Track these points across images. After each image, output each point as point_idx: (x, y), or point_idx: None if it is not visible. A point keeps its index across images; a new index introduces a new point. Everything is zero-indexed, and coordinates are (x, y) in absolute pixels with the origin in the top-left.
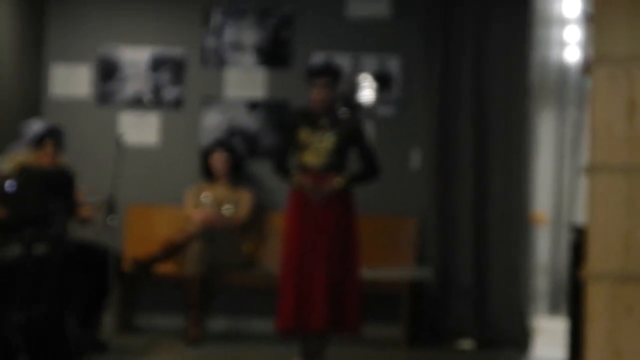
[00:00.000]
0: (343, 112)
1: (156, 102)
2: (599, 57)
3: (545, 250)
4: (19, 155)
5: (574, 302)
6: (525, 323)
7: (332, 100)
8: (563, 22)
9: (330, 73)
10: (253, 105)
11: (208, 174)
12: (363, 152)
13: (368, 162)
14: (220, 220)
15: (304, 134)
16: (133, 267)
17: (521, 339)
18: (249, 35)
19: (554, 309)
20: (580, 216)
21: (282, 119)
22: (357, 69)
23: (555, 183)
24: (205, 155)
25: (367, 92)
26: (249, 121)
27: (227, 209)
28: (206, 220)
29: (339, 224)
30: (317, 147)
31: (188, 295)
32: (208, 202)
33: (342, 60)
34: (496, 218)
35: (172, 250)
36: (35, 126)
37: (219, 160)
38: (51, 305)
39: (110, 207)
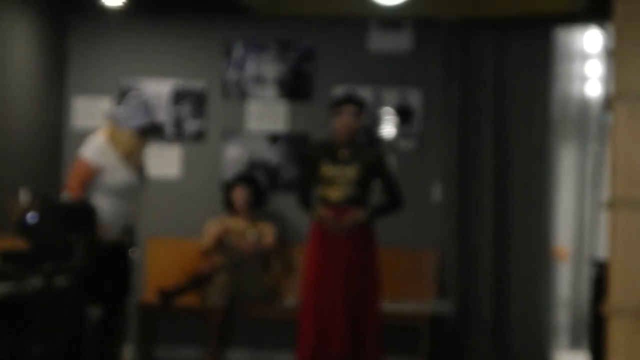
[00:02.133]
0: (364, 144)
1: (178, 134)
2: (619, 92)
3: (566, 285)
4: (123, 136)
5: (595, 337)
6: (546, 358)
7: (355, 131)
8: (584, 56)
9: (355, 102)
10: (274, 138)
11: (230, 207)
12: (386, 184)
13: (391, 194)
14: (257, 247)
15: (325, 167)
16: (158, 297)
17: None
18: (270, 68)
19: (575, 344)
20: (602, 251)
21: (302, 151)
22: (379, 103)
23: (576, 218)
24: (227, 188)
25: (388, 125)
26: (270, 154)
27: (251, 234)
28: (253, 246)
29: (360, 256)
30: (339, 180)
31: (209, 327)
32: (234, 239)
33: (364, 93)
34: (517, 251)
35: (199, 281)
36: (142, 113)
37: (240, 195)
38: (70, 337)
39: (131, 239)
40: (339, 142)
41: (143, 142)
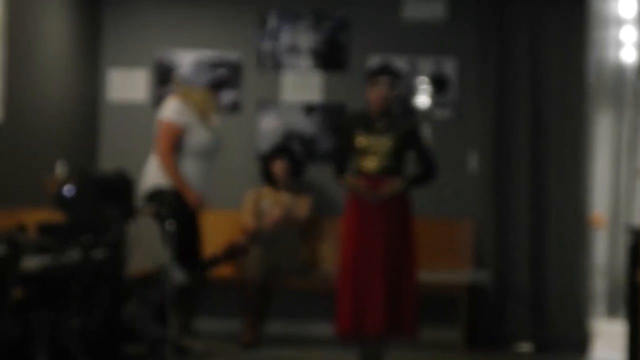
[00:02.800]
0: (400, 114)
1: None
2: None
3: (603, 253)
4: (195, 94)
5: (631, 304)
6: (584, 326)
7: (390, 102)
8: (620, 22)
9: (390, 73)
10: (310, 109)
11: (268, 179)
12: (420, 154)
13: (426, 164)
14: (290, 218)
15: (360, 138)
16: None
17: (580, 342)
18: (305, 38)
19: (612, 312)
20: (638, 218)
21: (337, 121)
22: (414, 72)
23: (612, 185)
24: (266, 160)
25: (424, 95)
26: (306, 125)
27: (286, 205)
28: (279, 219)
29: (396, 227)
30: (374, 150)
31: (246, 299)
32: (269, 206)
33: (399, 63)
34: (553, 220)
35: (234, 253)
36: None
37: (280, 168)
38: (109, 310)
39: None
40: (374, 112)
41: (214, 98)
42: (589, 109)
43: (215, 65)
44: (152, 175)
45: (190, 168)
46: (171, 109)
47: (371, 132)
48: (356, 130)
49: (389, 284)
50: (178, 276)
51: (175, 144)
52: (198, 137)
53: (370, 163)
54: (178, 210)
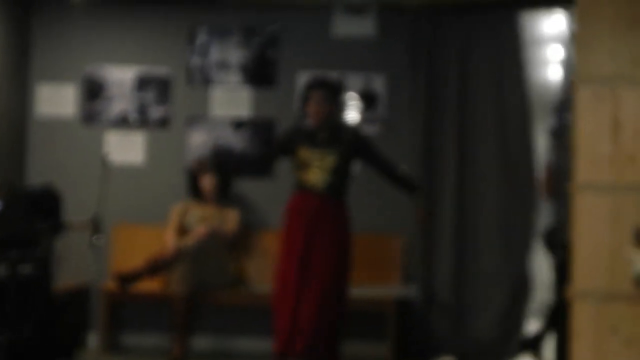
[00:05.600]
0: (342, 127)
1: (142, 121)
2: (582, 78)
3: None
4: None
5: (561, 321)
6: (511, 339)
7: (327, 116)
8: (548, 40)
9: (326, 87)
10: (238, 124)
11: (196, 193)
12: (380, 161)
13: (387, 165)
14: (218, 233)
15: (303, 151)
16: (115, 281)
17: (507, 355)
18: (234, 54)
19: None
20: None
21: (278, 133)
22: (343, 87)
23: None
24: (193, 174)
25: (353, 111)
26: (235, 140)
27: (214, 220)
28: (204, 236)
29: (336, 245)
30: (317, 165)
31: (174, 314)
32: (196, 221)
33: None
34: (481, 237)
35: (157, 267)
36: None
37: (208, 182)
38: (38, 324)
39: (96, 226)
40: (315, 126)
41: None
42: (526, 125)
43: (144, 80)
44: None
45: None
46: None
47: (314, 145)
48: (298, 143)
49: (322, 302)
50: None
51: None
52: None
53: (314, 177)
54: None
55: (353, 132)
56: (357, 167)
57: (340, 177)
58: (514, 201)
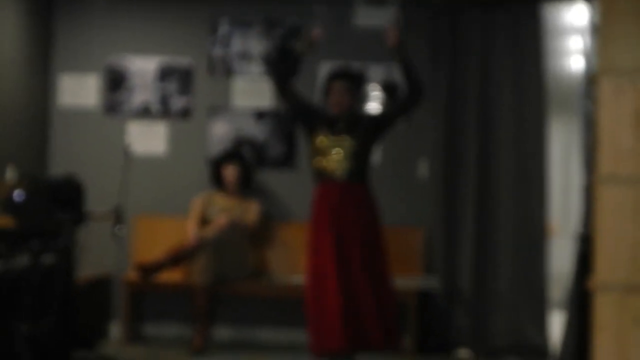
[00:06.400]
0: (362, 114)
1: (164, 111)
2: (604, 69)
3: (556, 260)
4: None
5: (582, 311)
6: (539, 331)
7: (348, 107)
8: (571, 31)
9: (348, 77)
10: (260, 115)
11: (218, 183)
12: (393, 106)
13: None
14: (239, 224)
15: (322, 137)
16: (137, 272)
17: (531, 349)
18: (256, 45)
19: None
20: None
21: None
22: (366, 77)
23: (564, 193)
24: (216, 165)
25: (375, 101)
26: (256, 131)
27: (235, 211)
28: (225, 226)
29: (370, 236)
30: (336, 151)
31: (194, 305)
32: (217, 212)
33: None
34: (504, 228)
35: (178, 258)
36: None
37: (230, 173)
38: (59, 315)
39: (118, 216)
40: (335, 115)
41: None
42: (542, 117)
43: (166, 71)
44: None
45: None
46: None
47: (332, 132)
48: (317, 126)
49: (372, 296)
50: None
51: None
52: None
53: (333, 163)
54: None
55: (372, 116)
56: (376, 157)
57: (359, 162)
58: (528, 198)
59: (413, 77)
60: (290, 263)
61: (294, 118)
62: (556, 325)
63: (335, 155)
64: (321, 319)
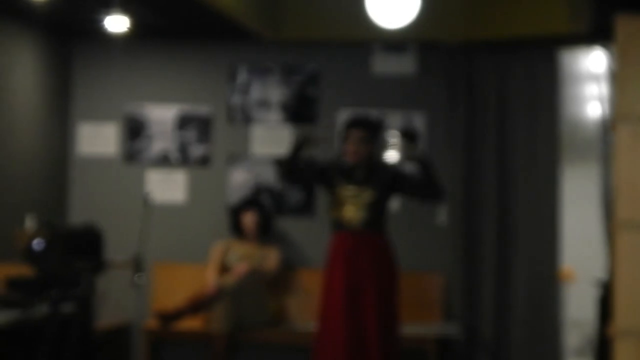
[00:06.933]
0: (380, 164)
1: (183, 159)
2: (621, 115)
3: (574, 306)
4: None
5: (602, 358)
6: None
7: (365, 155)
8: (589, 78)
9: (365, 125)
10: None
11: (238, 231)
12: (412, 181)
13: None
14: (258, 271)
15: (340, 187)
16: (157, 320)
17: None
18: (275, 92)
19: None
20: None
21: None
22: (383, 126)
23: (582, 238)
24: (236, 212)
25: (394, 149)
26: (275, 178)
27: (255, 259)
28: (245, 273)
29: (385, 284)
30: (354, 201)
31: (213, 352)
32: (236, 259)
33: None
34: (522, 274)
35: (198, 306)
36: None
37: (250, 220)
38: None
39: (137, 265)
40: (353, 164)
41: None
42: (559, 162)
43: (185, 119)
44: None
45: None
46: None
47: (350, 181)
48: (336, 178)
49: (380, 342)
50: None
51: None
52: None
53: (350, 213)
54: None
55: (391, 168)
56: (395, 204)
57: (376, 212)
58: (541, 244)
59: (432, 180)
60: (310, 309)
61: (310, 185)
62: None
63: (352, 206)
64: None
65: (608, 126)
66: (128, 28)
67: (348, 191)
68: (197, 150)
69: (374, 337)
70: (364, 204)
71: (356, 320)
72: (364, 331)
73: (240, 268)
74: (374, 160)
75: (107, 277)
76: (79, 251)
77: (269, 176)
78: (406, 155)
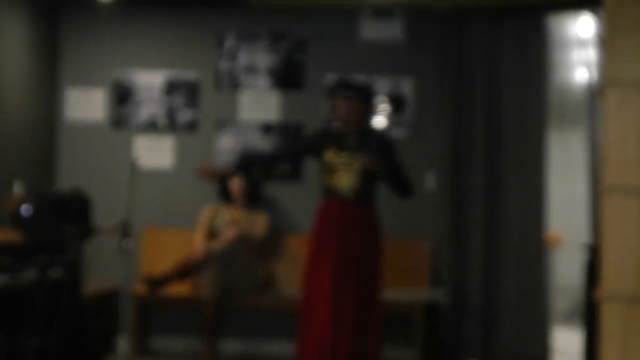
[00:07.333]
0: (372, 130)
1: (170, 125)
2: (610, 81)
3: (561, 270)
4: None
5: (589, 323)
6: (540, 343)
7: (357, 118)
8: (577, 44)
9: (351, 88)
10: (267, 128)
11: (225, 196)
12: (394, 166)
13: (397, 176)
14: (246, 237)
15: (330, 155)
16: (144, 285)
17: (537, 359)
18: (262, 58)
19: (570, 329)
20: (588, 236)
21: (305, 134)
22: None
23: (568, 203)
24: (223, 179)
25: (381, 114)
26: (263, 144)
27: (242, 224)
28: (233, 239)
29: (368, 253)
30: (345, 168)
31: (203, 318)
32: (224, 224)
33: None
34: (510, 239)
35: (186, 271)
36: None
37: (237, 185)
38: (66, 329)
39: (125, 230)
40: (343, 129)
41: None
42: (547, 128)
43: (173, 85)
44: None
45: None
46: None
47: (341, 148)
48: (325, 146)
49: (359, 311)
50: None
51: None
52: None
53: (341, 181)
54: None
55: (381, 136)
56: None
57: (368, 181)
58: (528, 209)
59: (400, 184)
60: (298, 275)
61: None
62: (561, 336)
63: (345, 173)
64: (308, 331)
65: (596, 92)
66: None
67: (340, 158)
68: (184, 116)
69: (350, 309)
70: (356, 171)
71: (343, 290)
72: (345, 303)
73: (228, 233)
74: (365, 127)
75: (95, 242)
76: (66, 217)
77: (257, 142)
78: (374, 166)
